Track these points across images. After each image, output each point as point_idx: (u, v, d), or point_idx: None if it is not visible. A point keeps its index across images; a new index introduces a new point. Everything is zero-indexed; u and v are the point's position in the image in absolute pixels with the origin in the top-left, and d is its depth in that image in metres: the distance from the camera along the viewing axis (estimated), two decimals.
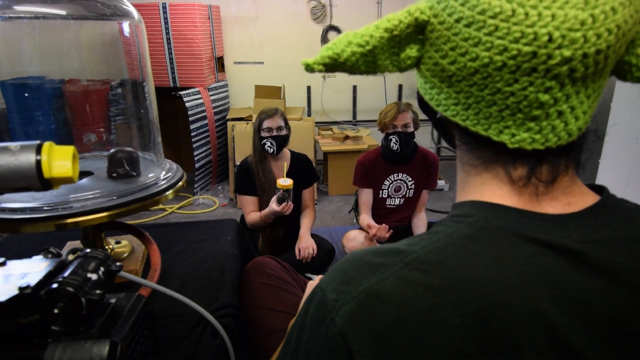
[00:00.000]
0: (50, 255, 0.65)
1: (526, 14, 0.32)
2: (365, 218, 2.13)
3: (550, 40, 0.32)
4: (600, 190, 0.42)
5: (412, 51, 0.41)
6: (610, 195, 0.41)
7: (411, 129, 2.02)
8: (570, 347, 0.33)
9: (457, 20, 0.36)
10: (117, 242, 1.09)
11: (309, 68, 0.39)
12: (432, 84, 0.41)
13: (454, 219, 0.40)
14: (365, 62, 0.39)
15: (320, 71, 0.39)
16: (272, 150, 1.98)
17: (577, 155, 0.41)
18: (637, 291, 0.35)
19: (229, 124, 3.54)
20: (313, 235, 2.07)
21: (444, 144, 4.51)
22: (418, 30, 0.40)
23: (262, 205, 2.00)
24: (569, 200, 0.39)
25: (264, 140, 1.97)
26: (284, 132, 2.00)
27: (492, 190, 0.41)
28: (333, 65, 0.39)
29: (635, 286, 0.35)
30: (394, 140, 2.01)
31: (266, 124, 1.97)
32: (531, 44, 0.33)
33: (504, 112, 0.36)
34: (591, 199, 0.40)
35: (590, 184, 0.43)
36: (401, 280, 0.35)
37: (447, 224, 0.39)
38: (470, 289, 0.33)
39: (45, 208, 0.79)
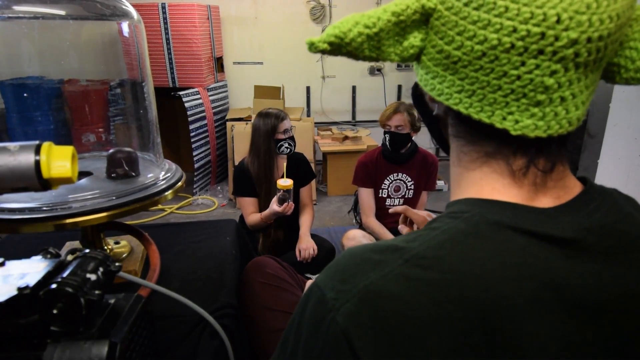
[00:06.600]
0: (49, 256, 0.65)
1: None
2: (376, 224, 2.13)
3: (559, 21, 0.33)
4: (583, 180, 0.44)
5: (415, 40, 0.41)
6: (593, 184, 0.43)
7: (404, 131, 2.03)
8: (569, 333, 0.34)
9: (466, 4, 0.37)
10: (116, 243, 1.09)
11: (314, 47, 0.39)
12: (435, 74, 0.41)
13: (450, 215, 0.40)
14: (370, 46, 0.40)
15: (324, 51, 0.39)
16: (289, 150, 2.02)
17: (572, 153, 0.42)
18: (628, 269, 0.37)
19: (228, 124, 3.54)
20: (313, 236, 2.06)
21: None
22: (423, 19, 0.40)
23: (263, 206, 2.00)
24: (558, 193, 0.41)
25: (282, 142, 2.00)
26: (292, 132, 2.06)
27: (491, 184, 0.41)
28: (338, 46, 0.39)
29: (626, 265, 0.37)
30: (387, 138, 2.08)
31: (282, 126, 2.00)
32: (540, 25, 0.33)
33: (509, 97, 0.37)
34: (577, 189, 0.42)
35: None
36: (401, 277, 0.35)
37: (443, 220, 0.40)
38: (471, 282, 0.34)
39: (44, 208, 0.79)
